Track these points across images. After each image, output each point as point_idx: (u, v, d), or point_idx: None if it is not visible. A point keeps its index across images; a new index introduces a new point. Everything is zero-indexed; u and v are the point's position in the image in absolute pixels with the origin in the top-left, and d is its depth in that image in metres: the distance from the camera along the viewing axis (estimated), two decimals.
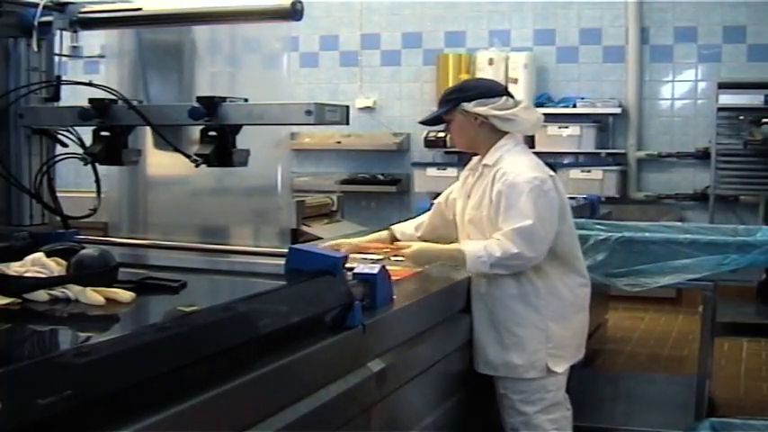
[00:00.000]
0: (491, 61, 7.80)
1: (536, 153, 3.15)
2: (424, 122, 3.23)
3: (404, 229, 3.32)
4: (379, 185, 8.32)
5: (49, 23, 2.66)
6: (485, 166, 3.00)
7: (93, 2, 2.78)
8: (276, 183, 2.82)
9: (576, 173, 7.54)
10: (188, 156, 2.42)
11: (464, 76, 7.70)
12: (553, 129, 7.56)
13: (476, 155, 3.09)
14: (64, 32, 2.76)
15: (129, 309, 1.88)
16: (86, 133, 2.63)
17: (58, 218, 2.74)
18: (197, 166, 2.40)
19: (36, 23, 2.61)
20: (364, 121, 8.45)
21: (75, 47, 2.81)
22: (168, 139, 2.49)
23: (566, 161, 7.81)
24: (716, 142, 7.29)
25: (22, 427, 1.25)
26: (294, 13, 2.47)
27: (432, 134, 7.87)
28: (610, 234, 3.71)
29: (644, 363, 5.60)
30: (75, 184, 3.01)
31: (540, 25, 8.08)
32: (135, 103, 2.50)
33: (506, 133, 3.00)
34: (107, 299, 1.86)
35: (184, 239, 2.77)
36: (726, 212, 7.47)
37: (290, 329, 1.96)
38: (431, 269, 3.04)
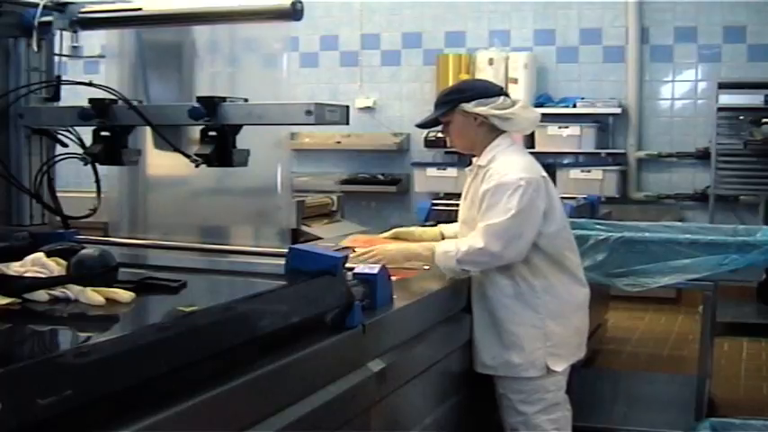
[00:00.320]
0: (491, 61, 7.80)
1: (536, 153, 3.16)
2: (421, 125, 3.19)
3: (449, 227, 3.32)
4: (379, 185, 8.32)
5: (49, 23, 2.66)
6: (479, 166, 3.00)
7: (93, 2, 2.78)
8: (276, 183, 2.82)
9: (575, 173, 7.54)
10: (188, 156, 2.43)
11: (464, 76, 7.70)
12: (553, 129, 7.56)
13: (474, 156, 3.09)
14: (64, 32, 2.76)
15: (129, 309, 1.87)
16: (86, 133, 2.63)
17: (58, 218, 2.74)
18: (197, 166, 2.40)
19: (36, 23, 2.61)
20: (364, 121, 8.44)
21: (75, 47, 2.81)
22: (168, 139, 2.50)
23: (566, 161, 7.81)
24: (716, 142, 7.28)
25: (22, 427, 1.25)
26: (294, 13, 2.47)
27: (432, 134, 7.85)
28: (610, 234, 3.71)
29: (644, 363, 5.60)
30: (75, 184, 3.02)
31: (540, 25, 8.07)
32: (135, 103, 2.50)
33: (502, 134, 3.00)
34: (107, 299, 1.86)
35: (184, 239, 2.77)
36: (726, 212, 7.46)
37: (290, 329, 1.96)
38: (430, 269, 3.04)
